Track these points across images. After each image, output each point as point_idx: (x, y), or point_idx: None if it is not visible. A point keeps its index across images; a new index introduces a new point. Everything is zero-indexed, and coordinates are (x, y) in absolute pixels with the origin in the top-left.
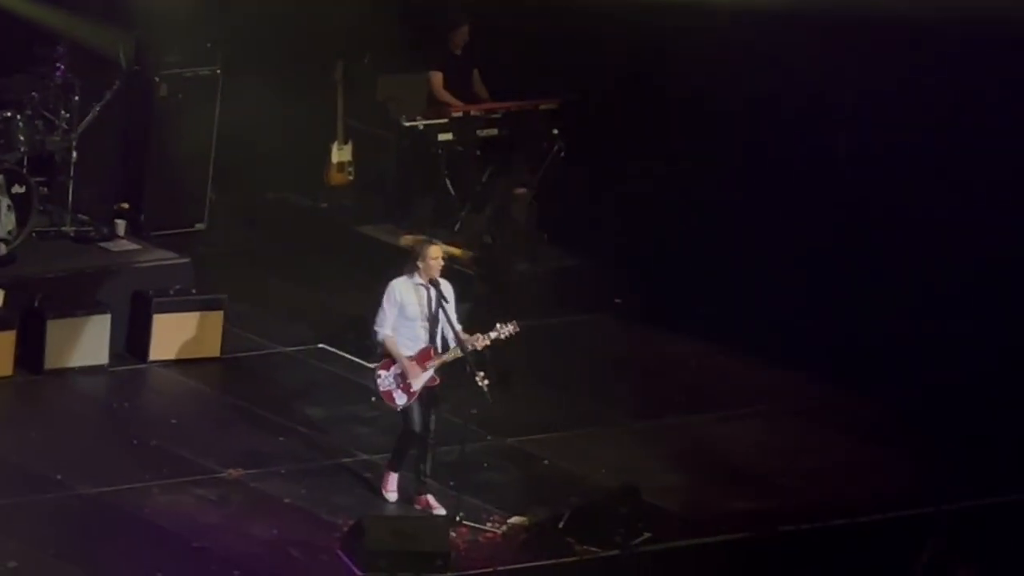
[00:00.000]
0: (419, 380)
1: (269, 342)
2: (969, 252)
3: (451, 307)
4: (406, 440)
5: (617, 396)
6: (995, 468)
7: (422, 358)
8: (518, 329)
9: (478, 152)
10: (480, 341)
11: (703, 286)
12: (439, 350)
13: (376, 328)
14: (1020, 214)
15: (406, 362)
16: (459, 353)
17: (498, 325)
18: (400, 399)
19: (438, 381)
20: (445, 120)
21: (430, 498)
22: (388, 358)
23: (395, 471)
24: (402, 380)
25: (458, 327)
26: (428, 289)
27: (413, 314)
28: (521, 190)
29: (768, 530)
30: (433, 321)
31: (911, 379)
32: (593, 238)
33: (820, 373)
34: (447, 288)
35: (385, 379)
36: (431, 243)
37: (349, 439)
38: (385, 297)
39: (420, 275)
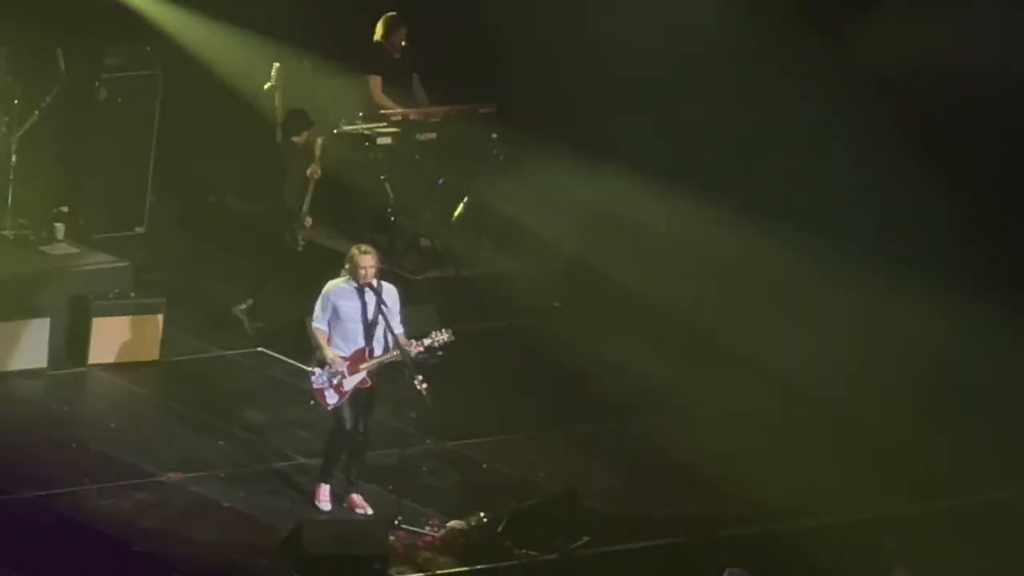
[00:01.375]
0: (351, 381)
1: (208, 345)
2: None
3: (392, 311)
4: (336, 442)
5: (556, 400)
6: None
7: (356, 359)
8: (453, 338)
9: (417, 156)
10: (414, 347)
11: (642, 289)
12: (375, 352)
13: (313, 320)
14: None
15: (329, 353)
16: (396, 357)
17: (433, 333)
18: (331, 399)
19: (370, 383)
20: (384, 124)
21: (357, 498)
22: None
23: (327, 482)
24: (335, 380)
25: (398, 331)
26: (364, 293)
27: (346, 315)
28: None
29: (707, 534)
30: (370, 324)
31: (847, 382)
32: (533, 241)
33: (757, 377)
34: (389, 292)
35: (319, 377)
36: (363, 252)
37: (288, 443)
38: (320, 296)
39: (353, 279)
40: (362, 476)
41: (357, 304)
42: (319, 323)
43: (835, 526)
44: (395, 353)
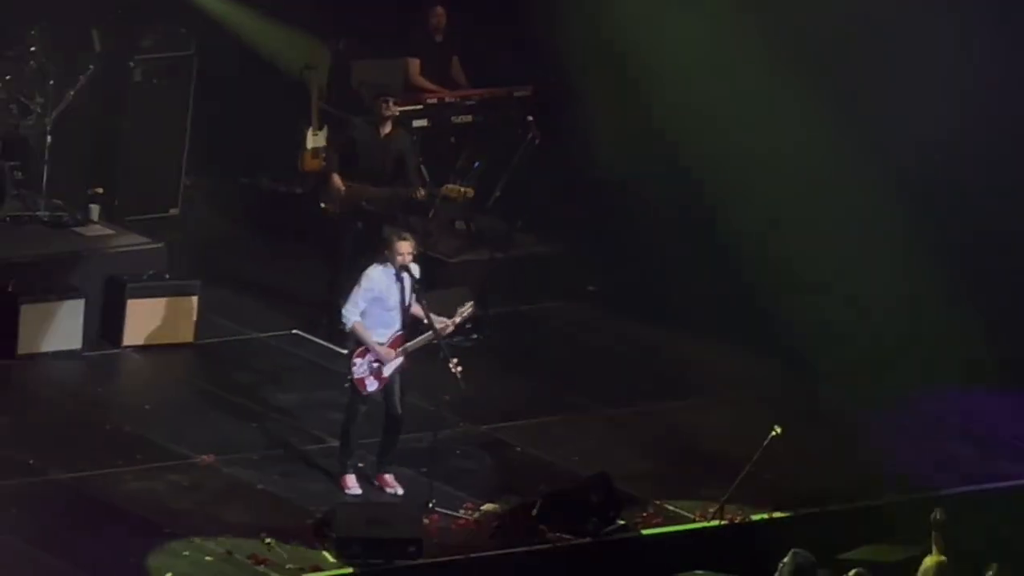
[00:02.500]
0: (390, 366)
1: (243, 328)
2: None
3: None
4: (351, 429)
5: (590, 383)
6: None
7: (394, 344)
8: (474, 308)
9: (452, 139)
10: (448, 327)
11: (677, 274)
12: (410, 336)
13: (345, 314)
14: None
15: (378, 348)
16: (431, 339)
17: (458, 309)
18: (371, 386)
19: (407, 367)
20: (420, 106)
21: (389, 477)
22: (361, 345)
23: (350, 472)
24: (376, 368)
25: (432, 315)
26: (402, 279)
27: (387, 302)
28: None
29: (740, 518)
30: (407, 309)
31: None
32: (567, 225)
33: (792, 361)
34: (417, 272)
35: (360, 366)
36: (401, 237)
37: (322, 425)
38: (360, 283)
39: (393, 265)
40: (394, 458)
41: (396, 289)
42: (354, 316)
43: (869, 509)
44: (429, 336)
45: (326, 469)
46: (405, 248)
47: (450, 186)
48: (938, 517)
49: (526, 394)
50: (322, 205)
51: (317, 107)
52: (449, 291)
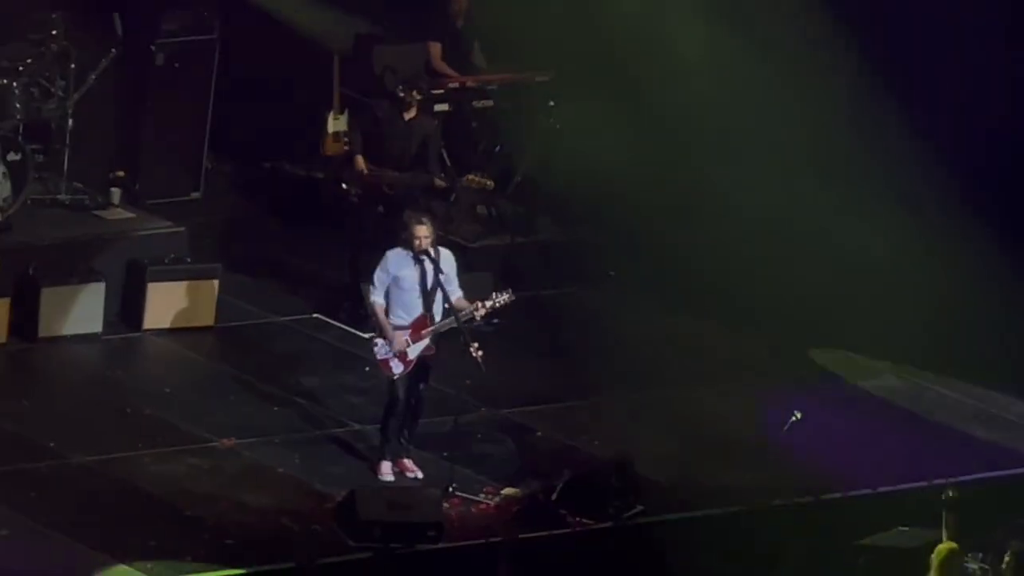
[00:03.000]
0: (415, 349)
1: (263, 311)
2: None
3: (450, 277)
4: (391, 411)
5: (611, 368)
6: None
7: (418, 327)
8: (513, 298)
9: (474, 124)
10: (479, 310)
11: (698, 259)
12: (435, 320)
13: (370, 296)
14: None
15: (389, 332)
16: (453, 323)
17: (494, 294)
18: (396, 368)
19: (434, 351)
20: (441, 91)
21: (409, 461)
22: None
23: (387, 458)
24: (386, 337)
25: (454, 296)
26: (423, 261)
27: (407, 285)
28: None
29: (761, 503)
30: (430, 292)
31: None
32: (588, 210)
33: (814, 345)
34: (446, 258)
35: (382, 348)
36: (419, 221)
37: (343, 409)
38: (379, 265)
39: (412, 248)
40: (414, 441)
41: (415, 272)
42: (377, 296)
43: (891, 495)
44: (452, 320)
45: (346, 452)
46: (422, 232)
47: (471, 177)
48: (951, 495)
49: (547, 378)
50: (343, 186)
51: (339, 92)
52: (472, 275)
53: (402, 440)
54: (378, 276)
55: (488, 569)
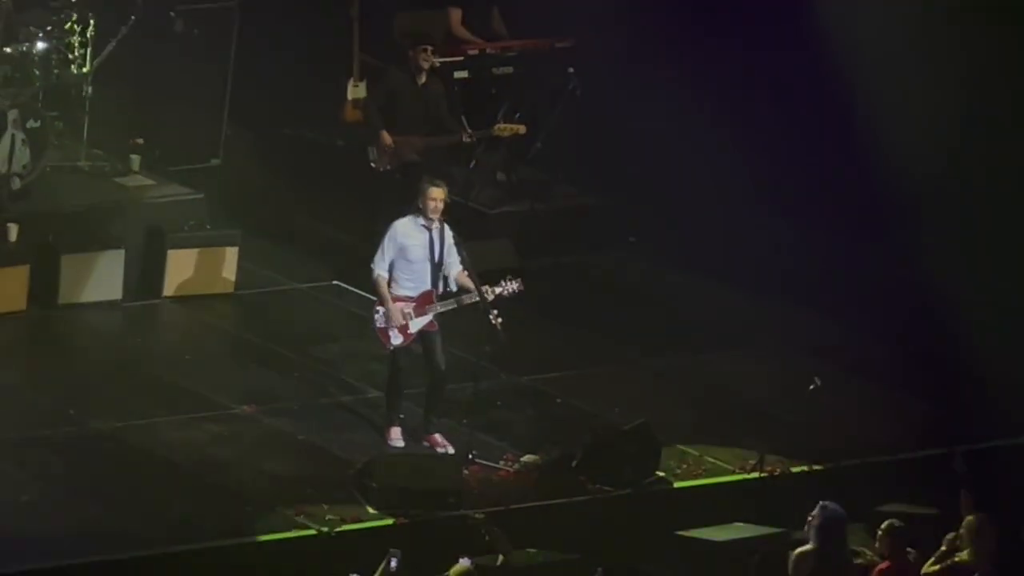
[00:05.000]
0: (416, 323)
1: (283, 278)
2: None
3: (450, 251)
4: (394, 383)
5: (631, 334)
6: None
7: (423, 301)
8: (522, 288)
9: (493, 90)
10: (487, 295)
11: (718, 224)
12: (439, 294)
13: (372, 266)
14: None
15: (389, 304)
16: (454, 305)
17: (503, 281)
18: (395, 339)
19: (436, 326)
20: (461, 58)
21: (438, 436)
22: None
23: (395, 423)
24: (389, 318)
25: (454, 271)
26: (431, 230)
27: (415, 256)
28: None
29: (780, 470)
30: (437, 264)
31: (925, 321)
32: (608, 176)
33: (835, 312)
34: (448, 230)
35: (382, 317)
36: (433, 184)
37: (363, 375)
38: (386, 236)
39: (423, 216)
40: (442, 414)
41: (424, 241)
42: (380, 268)
43: (906, 461)
44: (452, 303)
45: (366, 419)
46: (437, 195)
47: (501, 125)
48: (960, 463)
49: (567, 345)
50: (372, 164)
51: (359, 58)
52: (490, 242)
53: (430, 416)
54: (383, 246)
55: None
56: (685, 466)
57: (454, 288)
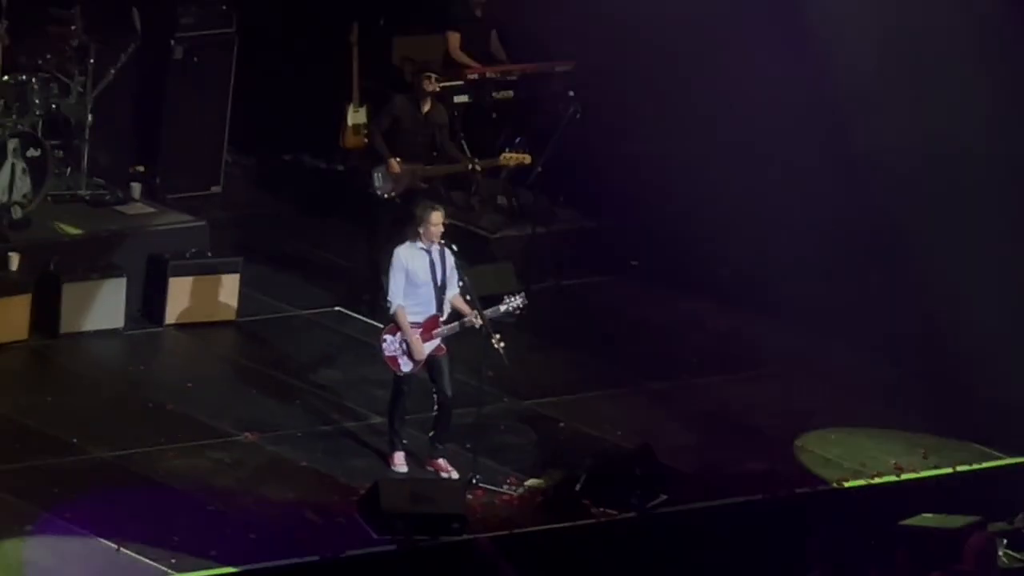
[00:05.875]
0: (425, 348)
1: (285, 305)
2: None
3: (450, 273)
4: (397, 404)
5: (633, 358)
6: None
7: (429, 326)
8: (526, 302)
9: (494, 114)
10: (485, 320)
11: (720, 247)
12: (445, 317)
13: (389, 299)
14: None
15: (412, 338)
16: (458, 328)
17: (505, 298)
18: (405, 366)
19: (445, 350)
20: (461, 82)
21: (443, 462)
22: (394, 323)
23: (399, 449)
24: (408, 347)
25: (451, 292)
26: (431, 253)
27: (419, 280)
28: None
29: (784, 492)
30: (440, 288)
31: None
32: (609, 200)
33: (837, 335)
34: (448, 255)
35: (391, 344)
36: (433, 208)
37: (365, 402)
38: (392, 266)
39: (422, 240)
40: (444, 440)
41: (426, 264)
42: (398, 299)
43: (910, 485)
44: (457, 326)
45: (369, 446)
46: (439, 219)
47: (507, 154)
48: None
49: (569, 369)
50: (377, 191)
51: (358, 83)
52: (493, 266)
53: (435, 441)
54: (394, 279)
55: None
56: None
57: (448, 310)
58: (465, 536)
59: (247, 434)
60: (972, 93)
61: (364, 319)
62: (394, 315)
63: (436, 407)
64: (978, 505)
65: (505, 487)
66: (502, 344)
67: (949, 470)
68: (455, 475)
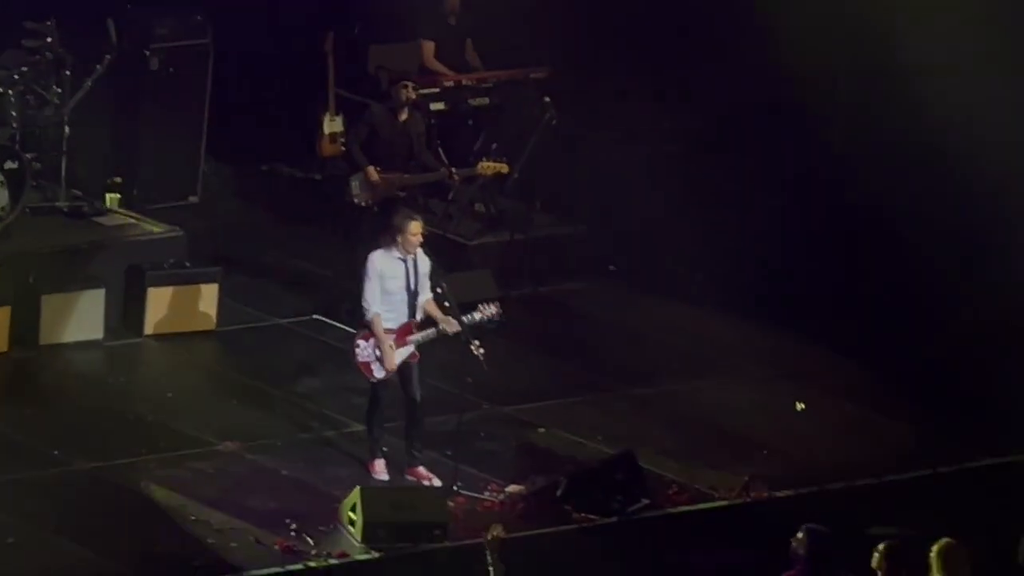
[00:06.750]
0: (399, 355)
1: (264, 314)
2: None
3: (423, 279)
4: (376, 416)
5: (613, 363)
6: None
7: (403, 332)
8: (501, 311)
9: (470, 121)
10: (452, 325)
11: (697, 251)
12: (419, 324)
13: (365, 306)
14: None
15: (385, 346)
16: (434, 335)
17: (480, 306)
18: (378, 372)
19: (418, 357)
20: (436, 89)
21: (422, 469)
22: (365, 329)
23: (378, 456)
24: (381, 353)
25: (423, 298)
26: (406, 262)
27: (394, 288)
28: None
29: (765, 495)
30: (413, 294)
31: (908, 343)
32: (586, 205)
33: (816, 337)
34: (423, 262)
35: (364, 350)
36: (412, 218)
37: (345, 410)
38: (366, 272)
39: (398, 249)
40: (423, 446)
41: (402, 274)
42: (375, 306)
43: (890, 485)
44: (433, 332)
45: (350, 454)
46: (416, 229)
47: (485, 163)
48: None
49: (549, 375)
50: (355, 201)
51: (334, 92)
52: (472, 273)
53: (412, 450)
54: (370, 286)
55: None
56: (669, 493)
57: (420, 316)
58: (447, 543)
59: (228, 444)
60: None
61: (343, 327)
62: (370, 322)
63: (407, 412)
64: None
65: (486, 494)
66: (481, 351)
67: None
68: (436, 482)
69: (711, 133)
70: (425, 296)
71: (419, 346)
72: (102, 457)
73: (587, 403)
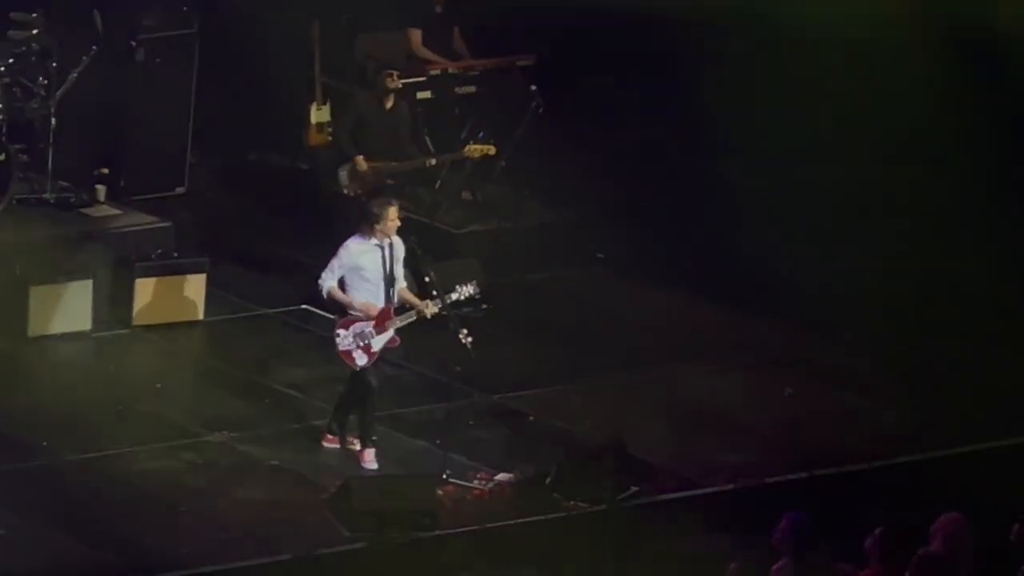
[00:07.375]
0: (379, 341)
1: (252, 304)
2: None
3: (398, 265)
4: (368, 403)
5: (601, 350)
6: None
7: (381, 318)
8: (478, 290)
9: (457, 110)
10: (430, 308)
11: (686, 239)
12: (397, 309)
13: (320, 282)
14: None
15: (357, 303)
16: (414, 317)
17: (457, 287)
18: (360, 359)
19: (399, 342)
20: (423, 78)
21: (369, 452)
22: (346, 317)
23: (368, 446)
24: (362, 340)
25: (399, 285)
26: (383, 248)
27: (371, 275)
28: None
29: (755, 481)
30: (390, 280)
31: (893, 329)
32: (574, 193)
33: (805, 324)
34: (399, 246)
35: (344, 339)
36: (390, 204)
37: (334, 399)
38: (337, 255)
39: (376, 235)
40: (374, 432)
41: (378, 259)
42: (330, 281)
43: (882, 469)
44: (413, 314)
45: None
46: (394, 213)
47: (472, 146)
48: None
49: (538, 363)
50: (343, 189)
51: (320, 81)
52: (457, 261)
53: (368, 435)
54: (333, 264)
55: None
56: (658, 480)
57: (396, 303)
58: (436, 532)
59: (217, 434)
60: None
61: (331, 316)
62: (328, 294)
63: (362, 395)
64: None
65: (476, 482)
66: (469, 339)
67: None
68: (376, 466)
69: (702, 118)
70: (401, 284)
71: (398, 331)
72: (92, 448)
73: (577, 391)
